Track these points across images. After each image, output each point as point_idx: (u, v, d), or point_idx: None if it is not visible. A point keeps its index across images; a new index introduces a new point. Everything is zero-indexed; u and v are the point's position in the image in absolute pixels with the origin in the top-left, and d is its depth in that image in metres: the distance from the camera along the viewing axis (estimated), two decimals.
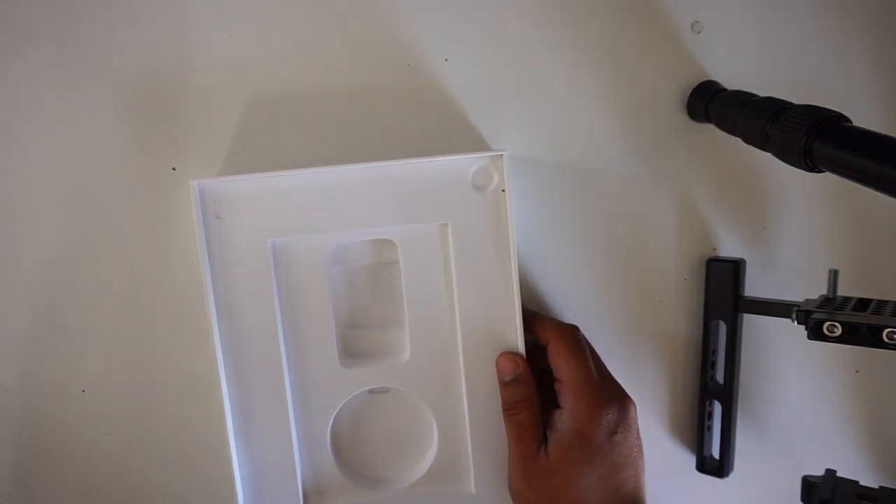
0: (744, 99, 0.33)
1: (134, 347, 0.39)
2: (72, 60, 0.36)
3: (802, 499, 0.37)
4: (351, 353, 0.38)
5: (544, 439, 0.35)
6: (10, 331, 0.38)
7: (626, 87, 0.39)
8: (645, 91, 0.39)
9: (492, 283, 0.36)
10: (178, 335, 0.39)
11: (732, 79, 0.38)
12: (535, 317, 0.37)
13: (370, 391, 0.38)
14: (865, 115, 0.36)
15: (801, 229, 0.41)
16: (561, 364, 0.34)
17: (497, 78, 0.38)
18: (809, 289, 0.38)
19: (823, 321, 0.32)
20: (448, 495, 0.38)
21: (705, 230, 0.40)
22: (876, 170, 0.25)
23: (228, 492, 0.36)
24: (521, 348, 0.36)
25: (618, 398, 0.34)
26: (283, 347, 0.36)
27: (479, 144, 0.38)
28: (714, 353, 0.41)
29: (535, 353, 0.36)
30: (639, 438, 0.35)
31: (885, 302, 0.34)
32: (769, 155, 0.31)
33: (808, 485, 0.37)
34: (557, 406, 0.35)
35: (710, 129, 0.37)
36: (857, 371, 0.42)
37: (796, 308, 0.34)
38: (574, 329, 0.36)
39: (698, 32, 0.38)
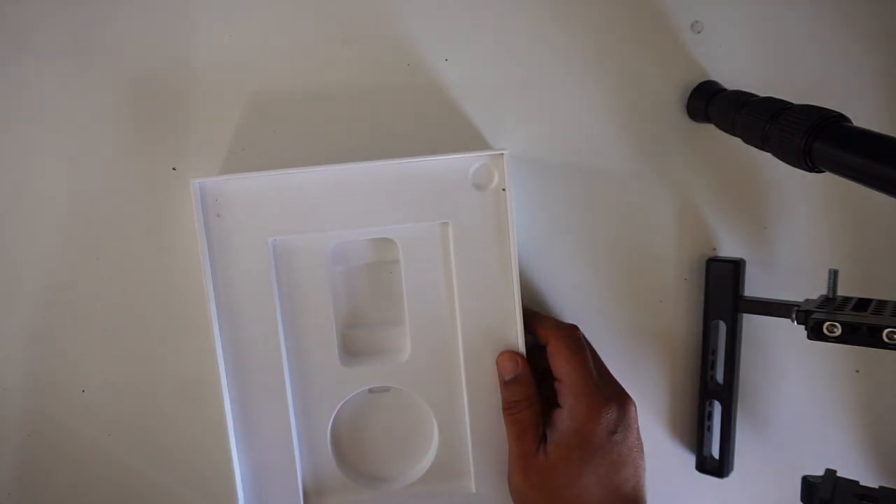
0: (744, 99, 0.33)
1: (134, 347, 0.39)
2: (72, 61, 0.36)
3: (802, 499, 0.37)
4: (351, 352, 0.38)
5: (544, 438, 0.35)
6: (11, 331, 0.38)
7: (626, 87, 0.39)
8: (645, 91, 0.39)
9: (492, 283, 0.36)
10: (177, 334, 0.39)
11: (732, 79, 0.38)
12: (535, 316, 0.37)
13: (370, 390, 0.38)
14: (865, 115, 0.36)
15: (801, 229, 0.41)
16: (561, 364, 0.34)
17: (497, 78, 0.38)
18: (809, 289, 0.38)
19: (823, 321, 0.32)
20: (448, 494, 0.38)
21: (705, 230, 0.41)
22: (876, 170, 0.25)
23: (229, 490, 0.36)
24: (522, 347, 0.36)
25: (617, 398, 0.34)
26: (283, 346, 0.36)
27: (479, 144, 0.38)
28: (714, 352, 0.41)
29: (535, 353, 0.36)
30: (639, 438, 0.35)
31: (885, 302, 0.34)
32: (769, 155, 0.31)
33: (808, 485, 0.37)
34: (557, 405, 0.35)
35: (710, 129, 0.37)
36: (857, 371, 0.42)
37: (796, 308, 0.34)
38: (574, 329, 0.36)
39: (698, 32, 0.38)
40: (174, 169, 0.38)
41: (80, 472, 0.40)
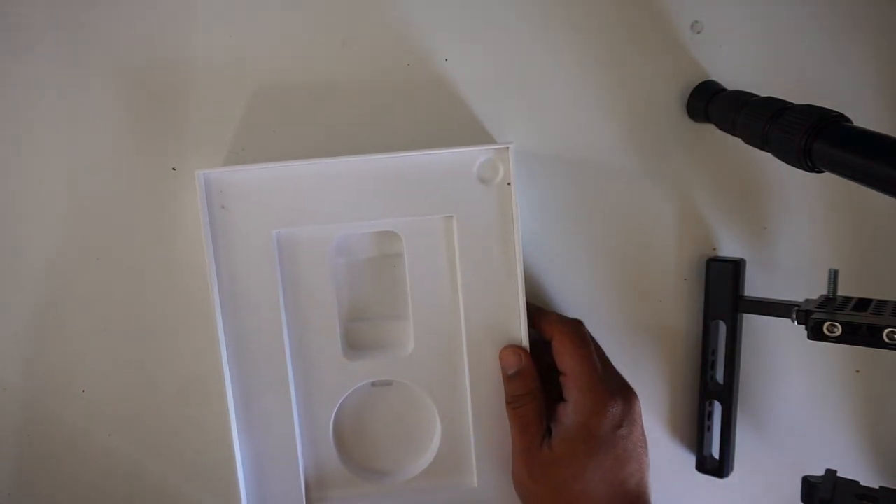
0: (744, 99, 0.34)
1: (135, 346, 0.39)
2: (72, 60, 0.36)
3: (802, 499, 0.37)
4: (354, 345, 0.38)
5: (548, 433, 0.35)
6: (11, 330, 0.38)
7: (626, 87, 0.39)
8: (645, 91, 0.39)
9: (496, 277, 0.36)
10: (178, 334, 0.39)
11: (732, 79, 0.39)
12: (539, 312, 0.37)
13: (373, 383, 0.38)
14: (865, 115, 0.36)
15: (801, 229, 0.41)
16: (565, 358, 0.34)
17: (499, 77, 0.38)
18: (809, 289, 0.38)
19: (823, 321, 0.32)
20: (450, 488, 0.38)
21: (705, 230, 0.41)
22: (876, 170, 0.25)
23: (231, 483, 0.36)
24: (525, 341, 0.36)
25: (622, 392, 0.35)
26: (286, 339, 0.36)
27: (483, 139, 0.39)
28: (714, 352, 0.41)
29: (539, 348, 0.36)
30: (643, 433, 0.35)
31: (885, 302, 0.34)
32: (769, 155, 0.31)
33: (808, 485, 0.37)
34: (561, 400, 0.35)
35: (710, 129, 0.37)
36: (857, 371, 0.42)
37: (796, 308, 0.34)
38: (578, 323, 0.36)
39: (698, 32, 0.39)
40: (174, 169, 0.38)
41: (80, 470, 0.39)
